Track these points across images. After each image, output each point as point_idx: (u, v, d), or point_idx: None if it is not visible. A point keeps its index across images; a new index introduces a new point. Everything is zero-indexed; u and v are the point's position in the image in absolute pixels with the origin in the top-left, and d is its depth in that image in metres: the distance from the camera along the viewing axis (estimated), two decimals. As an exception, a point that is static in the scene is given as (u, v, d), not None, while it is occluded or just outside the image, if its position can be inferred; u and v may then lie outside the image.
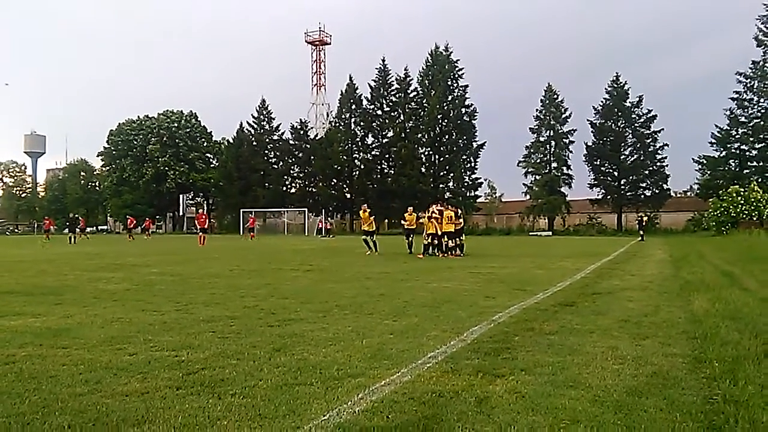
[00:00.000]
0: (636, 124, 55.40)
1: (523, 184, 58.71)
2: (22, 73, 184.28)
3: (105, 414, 3.35)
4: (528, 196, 58.55)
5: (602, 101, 56.54)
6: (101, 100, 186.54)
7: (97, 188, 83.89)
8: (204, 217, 32.31)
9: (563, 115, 57.51)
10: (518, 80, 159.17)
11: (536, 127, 58.31)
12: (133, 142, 73.28)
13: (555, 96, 57.79)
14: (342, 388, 3.86)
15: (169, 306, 7.58)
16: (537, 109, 58.44)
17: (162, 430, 3.10)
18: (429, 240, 18.79)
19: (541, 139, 58.22)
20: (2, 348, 5.06)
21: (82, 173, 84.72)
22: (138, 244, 32.89)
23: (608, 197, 55.98)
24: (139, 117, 75.91)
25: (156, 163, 71.27)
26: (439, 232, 18.53)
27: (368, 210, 20.43)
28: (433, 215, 18.68)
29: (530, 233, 52.90)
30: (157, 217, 77.47)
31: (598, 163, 56.39)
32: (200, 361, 4.57)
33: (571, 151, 57.86)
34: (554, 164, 57.94)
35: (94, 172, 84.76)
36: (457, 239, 19.00)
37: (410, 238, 20.09)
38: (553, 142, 57.77)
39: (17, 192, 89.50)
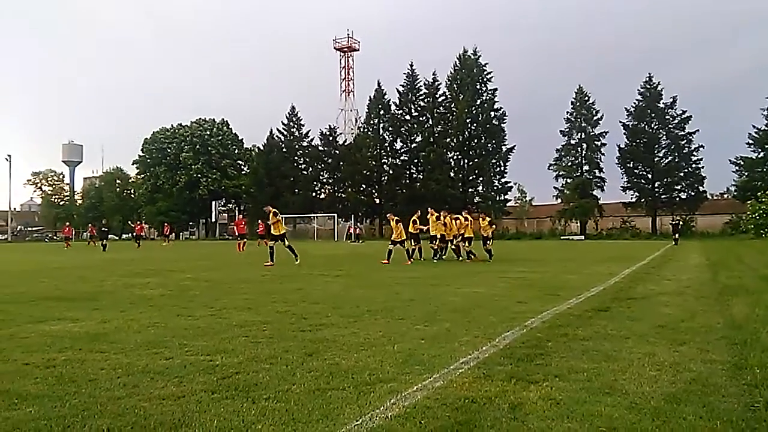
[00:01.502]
0: (670, 126, 54.27)
1: (554, 187, 58.04)
2: (59, 84, 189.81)
3: (143, 417, 3.41)
4: (559, 200, 57.78)
5: (635, 102, 55.59)
6: (136, 110, 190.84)
7: (132, 196, 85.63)
8: (243, 223, 31.91)
9: (594, 117, 56.66)
10: (548, 82, 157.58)
11: (567, 129, 57.57)
12: (166, 150, 74.64)
13: (586, 98, 57.00)
14: (374, 393, 3.86)
15: (203, 311, 7.71)
16: (567, 112, 57.74)
17: (198, 434, 3.15)
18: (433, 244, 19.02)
19: (572, 141, 57.45)
20: (43, 352, 5.20)
21: (118, 181, 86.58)
22: (161, 250, 33.45)
23: (642, 200, 54.88)
24: (172, 125, 77.34)
25: (189, 170, 72.45)
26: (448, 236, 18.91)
27: (273, 210, 18.03)
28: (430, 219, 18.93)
29: (562, 237, 52.22)
30: (191, 223, 78.81)
31: (631, 165, 55.36)
32: (234, 366, 4.63)
33: (603, 154, 56.97)
34: (586, 167, 57.09)
35: (130, 180, 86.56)
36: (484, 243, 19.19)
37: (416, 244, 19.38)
38: (584, 145, 56.94)
39: (56, 200, 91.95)
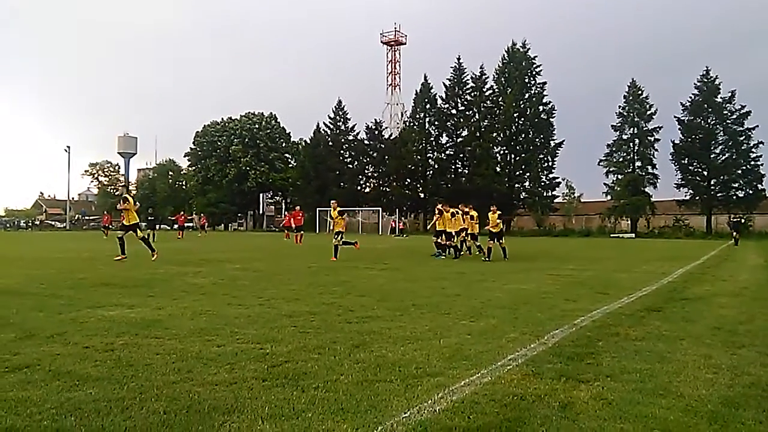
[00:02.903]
0: (728, 121, 52.10)
1: (604, 183, 56.52)
2: (115, 79, 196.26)
3: (197, 402, 3.52)
4: (609, 197, 56.29)
5: (691, 97, 53.56)
6: (187, 104, 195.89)
7: (184, 187, 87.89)
8: (301, 215, 30.82)
9: (648, 112, 54.92)
10: (600, 76, 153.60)
11: (619, 124, 55.98)
12: (217, 143, 76.31)
13: (639, 92, 55.30)
14: (421, 386, 3.87)
15: (253, 300, 7.88)
16: (620, 106, 56.08)
17: (250, 420, 3.23)
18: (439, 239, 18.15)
19: (624, 136, 55.84)
20: (102, 336, 5.42)
21: (170, 173, 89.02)
22: (203, 240, 34.22)
23: (697, 198, 52.95)
24: (222, 119, 79.00)
25: (238, 163, 73.89)
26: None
27: (130, 199, 15.92)
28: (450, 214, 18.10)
29: (611, 235, 50.94)
30: (239, 214, 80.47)
31: (686, 162, 53.46)
32: (284, 355, 4.72)
33: (656, 150, 55.11)
34: (638, 163, 55.42)
35: (181, 172, 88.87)
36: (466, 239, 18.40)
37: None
38: (636, 140, 55.29)
39: (111, 190, 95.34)
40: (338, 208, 17.58)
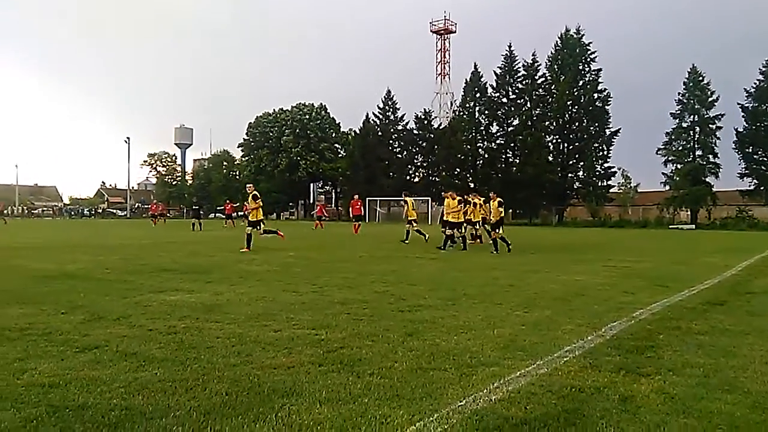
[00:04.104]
0: (797, 107, 49.35)
1: (663, 173, 54.42)
2: (173, 73, 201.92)
3: (257, 384, 3.62)
4: (668, 187, 54.27)
5: (755, 83, 50.85)
6: (241, 95, 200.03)
7: (238, 177, 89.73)
8: (359, 204, 30.75)
9: (709, 99, 52.48)
10: (659, 62, 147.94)
11: (678, 111, 53.71)
12: (269, 134, 77.56)
13: (700, 78, 52.92)
14: (476, 375, 3.87)
15: (307, 287, 8.01)
16: (679, 93, 53.73)
17: (308, 403, 3.30)
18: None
19: (684, 124, 53.54)
20: (165, 320, 5.63)
21: (225, 163, 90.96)
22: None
23: (762, 188, 50.42)
24: (274, 110, 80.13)
25: (289, 153, 74.91)
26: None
27: None
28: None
29: (670, 226, 49.20)
30: (290, 204, 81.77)
31: (750, 150, 50.89)
32: (338, 341, 4.79)
33: (718, 138, 52.58)
34: (698, 152, 53.09)
35: (235, 162, 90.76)
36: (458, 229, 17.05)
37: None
38: (697, 128, 52.96)
39: (169, 180, 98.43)
40: (254, 192, 15.70)
